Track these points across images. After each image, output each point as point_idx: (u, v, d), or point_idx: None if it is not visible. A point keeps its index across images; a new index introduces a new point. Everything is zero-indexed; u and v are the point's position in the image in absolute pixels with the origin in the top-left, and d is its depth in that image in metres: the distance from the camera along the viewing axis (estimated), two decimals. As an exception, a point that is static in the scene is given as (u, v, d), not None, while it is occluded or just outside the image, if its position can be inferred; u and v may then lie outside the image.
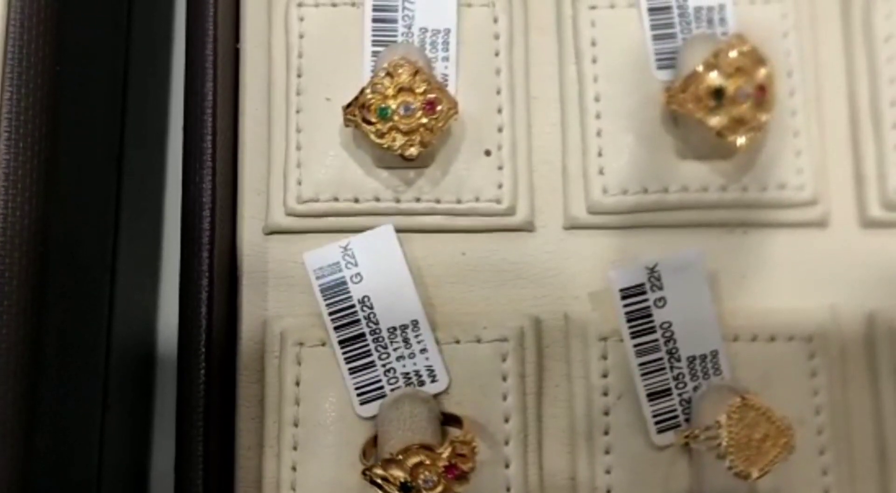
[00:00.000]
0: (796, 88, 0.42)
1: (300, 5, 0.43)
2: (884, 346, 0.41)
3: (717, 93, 0.38)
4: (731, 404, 0.37)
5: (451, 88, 0.42)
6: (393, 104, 0.39)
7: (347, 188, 0.41)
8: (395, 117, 0.39)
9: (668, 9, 0.42)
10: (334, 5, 0.43)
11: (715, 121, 0.38)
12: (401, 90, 0.38)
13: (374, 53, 0.42)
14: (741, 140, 0.38)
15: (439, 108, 0.39)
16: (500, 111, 0.42)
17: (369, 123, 0.39)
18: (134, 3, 0.48)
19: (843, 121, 0.42)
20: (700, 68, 0.38)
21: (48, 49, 0.39)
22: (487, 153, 0.42)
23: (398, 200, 0.41)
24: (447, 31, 0.42)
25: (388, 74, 0.39)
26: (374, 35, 0.42)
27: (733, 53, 0.38)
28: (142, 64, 0.49)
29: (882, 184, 0.41)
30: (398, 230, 0.41)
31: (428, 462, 0.36)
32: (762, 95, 0.38)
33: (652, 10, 0.42)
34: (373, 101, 0.38)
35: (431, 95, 0.39)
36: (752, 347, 0.40)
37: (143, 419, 0.47)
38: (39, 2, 0.38)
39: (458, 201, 0.41)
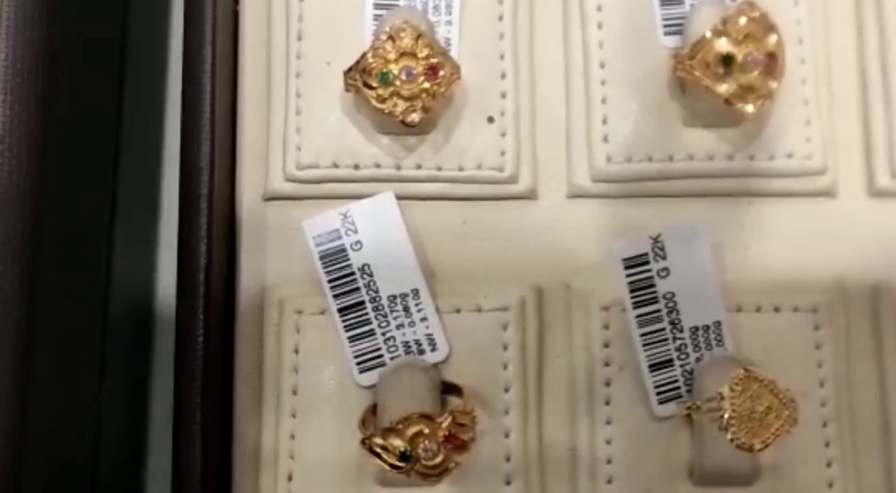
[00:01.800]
0: (806, 56, 0.41)
1: (300, -34, 0.42)
2: (889, 318, 0.40)
3: (726, 60, 0.37)
4: (734, 376, 0.36)
5: (453, 53, 0.41)
6: (395, 69, 0.38)
7: (347, 154, 0.41)
8: (397, 82, 0.38)
9: (676, -27, 0.41)
10: (335, -32, 0.42)
11: (723, 88, 0.38)
12: (403, 55, 0.38)
13: (376, 17, 0.41)
14: (750, 108, 0.37)
15: (441, 73, 0.38)
16: (503, 77, 0.41)
17: (370, 87, 0.38)
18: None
19: (854, 90, 0.41)
20: (708, 35, 0.37)
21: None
22: (490, 120, 0.41)
23: (399, 167, 0.41)
24: (450, -6, 0.41)
25: (390, 38, 0.38)
26: (375, -3, 0.41)
27: (742, 20, 0.37)
28: (140, 24, 0.48)
29: (891, 153, 0.41)
30: (399, 197, 0.40)
31: (427, 432, 0.35)
32: (772, 63, 0.38)
33: (660, -25, 0.41)
34: (374, 65, 0.38)
35: (434, 60, 0.38)
36: (756, 318, 0.40)
37: (141, 385, 0.47)
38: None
39: (460, 169, 0.41)
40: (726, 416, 0.36)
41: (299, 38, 0.41)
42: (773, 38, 0.37)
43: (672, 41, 0.41)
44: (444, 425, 0.35)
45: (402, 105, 0.38)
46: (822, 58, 0.41)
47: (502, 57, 0.41)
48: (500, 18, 0.42)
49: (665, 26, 0.41)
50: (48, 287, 0.39)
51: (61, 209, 0.40)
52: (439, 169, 0.41)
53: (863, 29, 0.41)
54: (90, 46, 0.45)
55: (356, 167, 0.41)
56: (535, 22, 0.42)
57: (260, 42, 0.42)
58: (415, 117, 0.38)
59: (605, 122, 0.41)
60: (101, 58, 0.47)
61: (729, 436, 0.36)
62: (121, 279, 0.47)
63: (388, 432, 0.35)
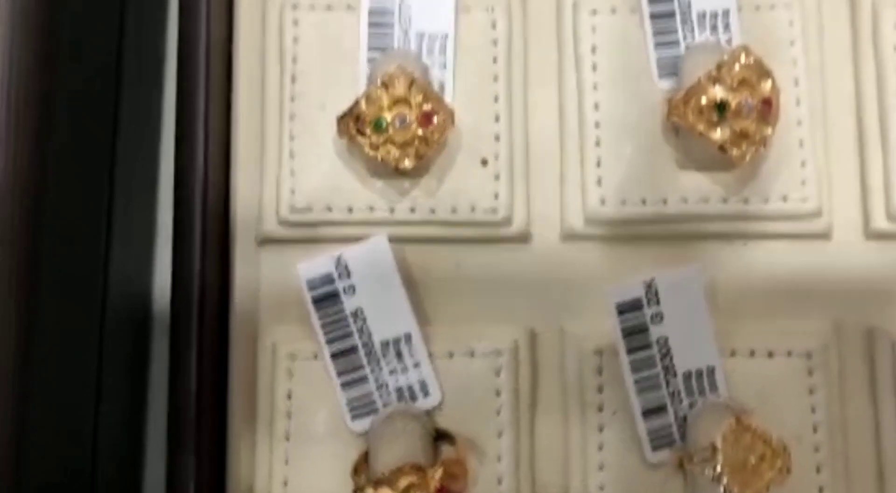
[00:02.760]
0: (802, 97, 0.41)
1: (295, 8, 0.42)
2: (884, 360, 0.40)
3: (720, 106, 0.37)
4: (727, 426, 0.36)
5: (447, 96, 0.41)
6: (388, 116, 0.38)
7: (341, 198, 0.41)
8: (390, 130, 0.38)
9: (670, 15, 0.41)
10: (329, 8, 0.42)
11: (717, 135, 0.38)
12: (396, 102, 0.38)
13: (370, 59, 0.41)
14: (745, 154, 0.37)
15: (435, 119, 0.38)
16: (497, 119, 0.41)
17: (364, 134, 0.38)
18: (127, 5, 0.47)
19: (850, 131, 0.41)
20: (703, 81, 0.37)
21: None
22: (484, 163, 0.41)
23: (393, 210, 0.41)
24: (445, 37, 0.41)
25: (384, 85, 0.38)
26: (370, 40, 0.41)
27: (737, 66, 0.37)
28: (136, 64, 0.48)
29: (888, 195, 0.40)
30: (393, 240, 0.40)
31: (419, 483, 0.35)
32: (766, 109, 0.37)
33: (654, 16, 0.41)
34: (367, 112, 0.38)
35: (427, 107, 0.38)
36: (750, 362, 0.40)
37: (139, 385, 0.47)
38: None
39: (454, 212, 0.41)
40: (718, 467, 0.36)
41: (293, 81, 0.41)
42: (767, 85, 0.37)
43: (667, 84, 0.41)
44: (436, 476, 0.35)
45: (395, 152, 0.38)
46: (819, 99, 0.41)
47: (496, 99, 0.41)
48: (495, 61, 0.42)
49: (660, 68, 0.41)
50: (46, 290, 0.39)
51: (59, 212, 0.40)
52: (433, 212, 0.41)
53: (860, 70, 0.41)
54: (90, 50, 0.44)
55: (350, 211, 0.41)
56: (529, 64, 0.42)
57: (254, 84, 0.42)
58: (408, 164, 0.38)
59: (598, 164, 0.41)
60: (100, 67, 0.47)
61: (721, 488, 0.36)
62: (118, 284, 0.47)
63: (380, 483, 0.35)
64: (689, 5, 0.41)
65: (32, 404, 0.37)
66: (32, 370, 0.37)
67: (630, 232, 0.41)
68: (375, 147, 0.38)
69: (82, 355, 0.43)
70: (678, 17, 0.41)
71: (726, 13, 0.41)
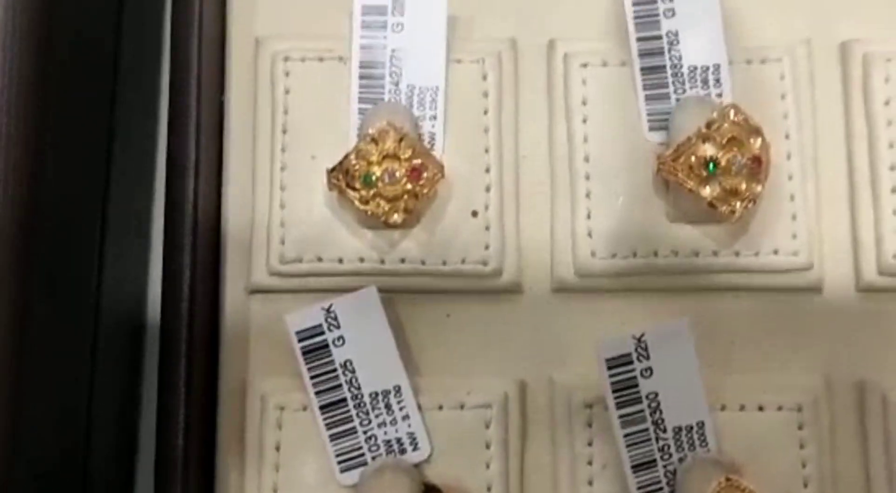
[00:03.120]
0: (793, 151, 0.41)
1: (286, 59, 0.42)
2: (875, 414, 0.40)
3: (710, 164, 0.37)
4: (716, 485, 0.36)
5: (437, 148, 0.41)
6: (377, 171, 0.38)
7: (331, 248, 0.41)
8: (380, 184, 0.38)
9: (661, 68, 0.41)
10: (321, 60, 0.42)
11: (707, 192, 0.38)
12: (385, 157, 0.38)
13: (361, 110, 0.41)
14: (734, 212, 0.37)
15: (425, 174, 0.38)
16: (487, 171, 0.41)
17: (353, 188, 0.38)
18: (120, 54, 0.47)
19: (841, 184, 0.41)
20: (692, 138, 0.37)
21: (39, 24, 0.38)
22: (474, 214, 0.41)
23: (383, 261, 0.41)
24: (435, 89, 0.41)
25: (373, 140, 0.38)
26: (360, 92, 0.41)
27: (726, 124, 0.37)
28: (128, 109, 0.48)
29: (879, 249, 0.40)
30: (382, 291, 0.40)
31: (406, 540, 0.35)
32: (756, 166, 0.37)
33: (645, 70, 0.41)
34: (357, 167, 0.38)
35: (417, 161, 0.38)
36: (740, 417, 0.40)
37: (131, 405, 0.46)
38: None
39: (444, 263, 0.41)
40: (707, 527, 0.35)
41: (284, 131, 0.41)
42: (757, 142, 0.37)
43: (657, 137, 0.41)
44: (424, 532, 0.35)
45: (384, 206, 0.38)
46: (809, 153, 0.41)
47: (487, 150, 0.41)
48: (485, 112, 0.42)
49: (650, 121, 0.41)
50: (38, 300, 0.38)
51: (52, 219, 0.40)
52: (423, 263, 0.41)
53: (850, 124, 0.41)
54: (86, 68, 0.45)
55: (340, 261, 0.41)
56: (520, 115, 0.42)
57: (245, 134, 0.42)
58: (397, 219, 0.38)
59: (589, 216, 0.41)
60: (96, 77, 0.47)
61: (710, 547, 0.35)
62: (111, 294, 0.46)
63: (367, 539, 0.35)
64: (680, 59, 0.41)
65: (24, 415, 0.37)
66: (24, 381, 0.37)
67: (621, 284, 0.41)
68: (365, 201, 0.38)
69: (75, 363, 0.43)
70: (669, 71, 0.41)
71: (717, 67, 0.41)
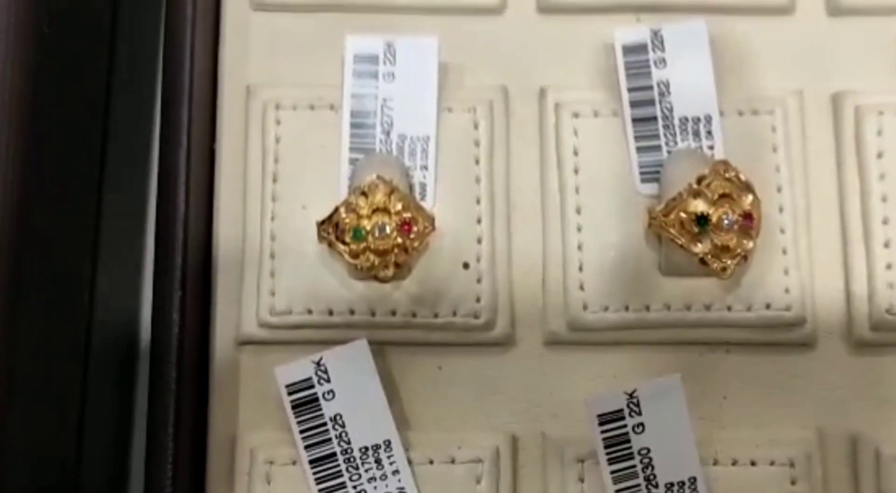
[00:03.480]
0: (785, 204, 0.41)
1: (278, 107, 0.42)
2: (868, 469, 0.40)
3: (701, 220, 0.37)
4: (708, 544, 0.36)
5: (428, 198, 0.41)
6: (367, 225, 0.38)
7: (322, 300, 0.40)
8: (370, 238, 0.38)
9: (652, 119, 0.41)
10: (312, 108, 0.42)
11: (698, 248, 0.37)
12: (375, 210, 0.38)
13: (352, 160, 0.41)
14: (726, 268, 0.37)
15: (415, 228, 0.38)
16: (479, 221, 0.41)
17: (343, 242, 0.38)
18: (112, 100, 0.47)
19: (834, 238, 0.41)
20: (683, 194, 0.37)
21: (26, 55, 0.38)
22: (466, 266, 0.41)
23: (373, 314, 0.40)
24: (426, 139, 0.41)
25: (363, 194, 0.38)
26: (351, 141, 0.41)
27: (718, 179, 0.37)
28: (119, 156, 0.47)
29: (872, 304, 0.40)
30: (373, 343, 0.40)
31: None
32: (748, 223, 0.37)
33: (636, 121, 0.41)
34: (347, 221, 0.38)
35: (407, 215, 0.38)
36: (733, 472, 0.39)
37: (124, 422, 0.46)
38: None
39: (435, 315, 0.40)
40: None
41: (275, 181, 0.41)
42: (748, 199, 0.37)
43: (649, 189, 0.41)
44: None
45: (374, 260, 0.38)
46: (802, 206, 0.41)
47: (478, 201, 0.41)
48: (477, 161, 0.41)
49: (642, 173, 0.41)
50: (29, 322, 0.38)
51: (43, 237, 0.40)
52: (414, 315, 0.40)
53: (843, 177, 0.41)
54: (77, 101, 0.44)
55: (330, 313, 0.40)
56: (511, 165, 0.42)
57: (236, 183, 0.42)
58: (387, 273, 0.38)
59: (581, 269, 0.41)
60: (89, 95, 0.46)
61: None
62: (103, 314, 0.46)
63: None
64: (672, 110, 0.41)
65: (12, 434, 0.36)
66: (14, 398, 0.36)
67: (613, 338, 0.40)
68: (355, 255, 0.38)
69: (65, 383, 0.43)
70: (660, 122, 0.41)
71: (708, 119, 0.41)
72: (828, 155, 0.42)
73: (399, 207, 0.37)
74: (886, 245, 0.40)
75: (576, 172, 0.41)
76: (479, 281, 0.41)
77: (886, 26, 0.42)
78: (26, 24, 0.39)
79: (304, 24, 0.43)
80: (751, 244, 0.37)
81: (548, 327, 0.41)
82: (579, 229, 0.41)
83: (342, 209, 0.38)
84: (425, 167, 0.41)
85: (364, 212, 0.38)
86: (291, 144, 0.41)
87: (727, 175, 0.37)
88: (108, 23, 0.47)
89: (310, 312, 0.40)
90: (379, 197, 0.37)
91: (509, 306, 0.41)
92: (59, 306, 0.42)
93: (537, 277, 0.41)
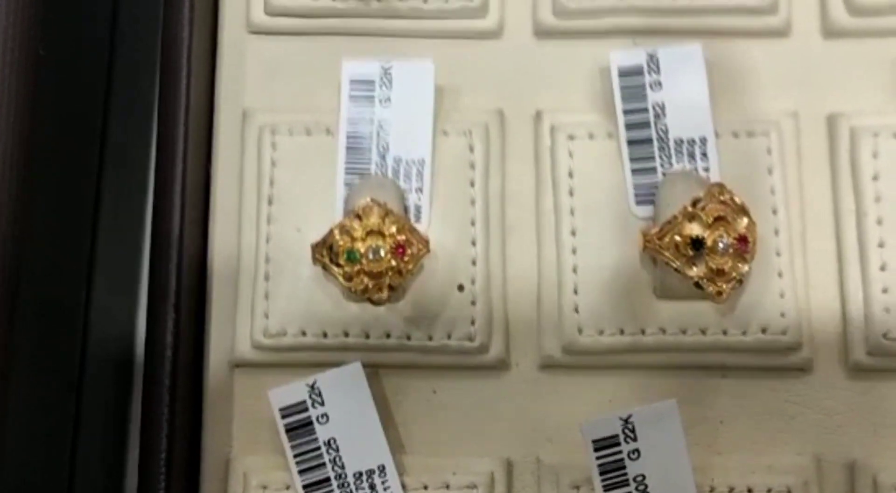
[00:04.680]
0: (781, 226, 0.40)
1: (273, 132, 0.42)
2: (866, 495, 0.40)
3: (696, 243, 0.37)
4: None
5: (423, 220, 0.41)
6: (361, 247, 0.37)
7: (316, 322, 0.40)
8: (364, 261, 0.37)
9: (648, 141, 0.41)
10: (308, 132, 0.42)
11: (693, 272, 0.37)
12: (370, 233, 0.37)
13: (347, 183, 0.41)
14: (721, 292, 0.37)
15: (409, 251, 0.38)
16: (474, 244, 0.41)
17: (337, 264, 0.38)
18: (109, 123, 0.47)
19: (830, 262, 0.41)
20: (678, 217, 0.37)
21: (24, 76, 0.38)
22: (460, 288, 0.41)
23: (368, 336, 0.40)
24: (422, 162, 0.41)
25: (357, 216, 0.38)
26: (347, 164, 0.41)
27: (713, 202, 0.37)
28: (116, 176, 0.48)
29: (869, 328, 0.40)
30: (367, 366, 0.40)
31: None
32: (743, 246, 0.37)
33: (631, 143, 0.41)
34: (341, 243, 0.37)
35: (401, 238, 0.38)
36: (729, 498, 0.39)
37: (118, 444, 0.46)
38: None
39: (430, 338, 0.40)
40: None
41: (270, 203, 0.41)
42: (743, 222, 0.37)
43: (644, 211, 0.40)
44: None
45: (368, 283, 0.38)
46: (798, 228, 0.41)
47: (473, 223, 0.41)
48: (472, 184, 0.41)
49: (637, 195, 0.41)
50: (24, 345, 0.38)
51: (40, 265, 0.40)
52: (408, 338, 0.40)
53: (839, 199, 0.41)
54: (74, 122, 0.44)
55: (324, 335, 0.40)
56: (507, 187, 0.42)
57: (231, 205, 0.42)
58: (382, 296, 0.38)
59: (576, 291, 0.40)
60: (86, 104, 0.46)
61: None
62: (99, 331, 0.46)
63: None
64: (667, 132, 0.41)
65: (4, 458, 0.36)
66: (5, 424, 0.36)
67: (608, 362, 0.40)
68: (349, 278, 0.38)
69: (59, 405, 0.43)
70: (655, 145, 0.41)
71: (703, 141, 0.41)
72: (823, 177, 0.41)
73: (393, 229, 0.37)
74: (883, 268, 0.40)
75: (571, 194, 0.41)
76: (473, 303, 0.40)
77: (882, 48, 0.42)
78: (23, 47, 0.40)
79: (301, 49, 0.43)
80: (746, 268, 0.37)
81: (543, 350, 0.40)
82: (574, 252, 0.41)
83: (336, 232, 0.38)
84: (420, 190, 0.41)
85: (358, 234, 0.37)
86: (287, 168, 0.41)
87: (722, 198, 0.37)
88: (106, 45, 0.47)
89: (304, 334, 0.40)
90: (373, 220, 0.37)
91: (504, 328, 0.41)
92: (53, 329, 0.42)
93: (532, 299, 0.41)
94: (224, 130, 0.42)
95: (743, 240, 0.37)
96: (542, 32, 0.43)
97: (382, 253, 0.37)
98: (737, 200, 0.37)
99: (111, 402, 0.46)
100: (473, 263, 0.41)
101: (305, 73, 0.43)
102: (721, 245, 0.37)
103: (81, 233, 0.45)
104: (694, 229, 0.37)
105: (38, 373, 0.40)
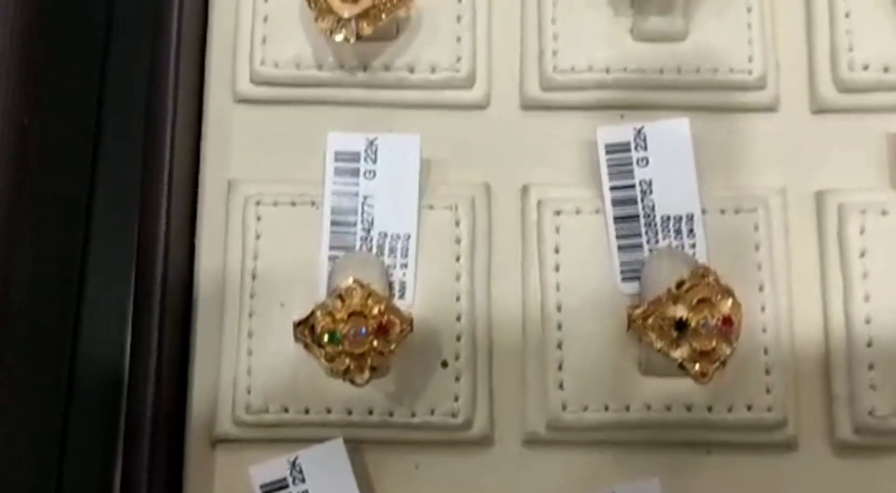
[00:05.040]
0: (767, 303, 0.40)
1: (258, 203, 0.41)
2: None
3: (680, 325, 0.37)
4: None
5: (407, 296, 0.41)
6: (343, 329, 0.37)
7: (298, 398, 0.40)
8: (346, 342, 0.37)
9: (634, 217, 0.41)
10: (293, 204, 0.41)
11: (677, 353, 0.37)
12: (352, 314, 0.37)
13: (331, 257, 0.41)
14: (704, 374, 0.37)
15: (393, 331, 0.37)
16: (458, 319, 0.41)
17: (319, 345, 0.37)
18: (94, 193, 0.46)
19: (816, 338, 0.41)
20: (663, 298, 0.37)
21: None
22: (444, 364, 0.40)
23: (350, 412, 0.40)
24: (407, 237, 0.41)
25: (340, 297, 0.37)
26: (331, 239, 0.41)
27: (698, 284, 0.37)
28: (101, 240, 0.47)
29: (854, 405, 0.40)
30: (350, 441, 0.39)
31: None
32: (727, 328, 0.37)
33: (618, 219, 0.41)
34: (322, 324, 0.37)
35: (384, 318, 0.37)
36: (715, 579, 0.39)
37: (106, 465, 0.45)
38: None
39: (413, 414, 0.40)
40: None
41: (254, 277, 0.41)
42: (728, 303, 0.37)
43: (630, 288, 0.40)
44: None
45: (350, 363, 0.37)
46: (784, 304, 0.41)
47: (458, 298, 0.41)
48: (457, 259, 0.41)
49: (623, 272, 0.40)
50: (10, 368, 0.38)
51: (30, 274, 0.39)
52: (391, 414, 0.40)
53: (826, 275, 0.41)
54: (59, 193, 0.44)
55: (306, 412, 0.40)
56: (492, 263, 0.41)
57: (215, 279, 0.41)
58: (363, 377, 0.37)
59: (560, 367, 0.40)
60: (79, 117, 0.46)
61: None
62: (87, 358, 0.45)
63: None
64: (654, 209, 0.41)
65: None
66: None
67: (592, 438, 0.40)
68: (331, 358, 0.37)
69: (45, 435, 0.42)
70: (642, 221, 0.41)
71: (690, 218, 0.40)
72: (811, 253, 0.41)
73: (376, 311, 0.37)
74: (869, 345, 0.40)
75: (557, 269, 0.41)
76: (457, 380, 0.40)
77: (870, 125, 0.42)
78: (7, 120, 0.40)
79: (286, 118, 0.43)
80: (729, 350, 0.37)
81: (527, 426, 0.40)
82: (559, 327, 0.40)
83: (318, 312, 0.37)
84: (405, 265, 0.41)
85: (340, 316, 0.37)
86: (271, 241, 0.41)
87: (707, 280, 0.36)
88: (93, 113, 0.47)
89: (286, 410, 0.40)
90: (356, 301, 0.37)
91: (488, 404, 0.40)
92: (40, 358, 0.42)
93: (517, 375, 0.41)
94: (209, 201, 0.42)
95: (728, 321, 0.37)
96: (529, 105, 0.43)
97: (365, 334, 0.37)
98: (722, 281, 0.37)
99: (98, 430, 0.45)
100: (458, 338, 0.40)
101: (291, 142, 0.43)
102: (704, 328, 0.36)
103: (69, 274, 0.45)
104: (678, 311, 0.37)
105: (25, 396, 0.40)
